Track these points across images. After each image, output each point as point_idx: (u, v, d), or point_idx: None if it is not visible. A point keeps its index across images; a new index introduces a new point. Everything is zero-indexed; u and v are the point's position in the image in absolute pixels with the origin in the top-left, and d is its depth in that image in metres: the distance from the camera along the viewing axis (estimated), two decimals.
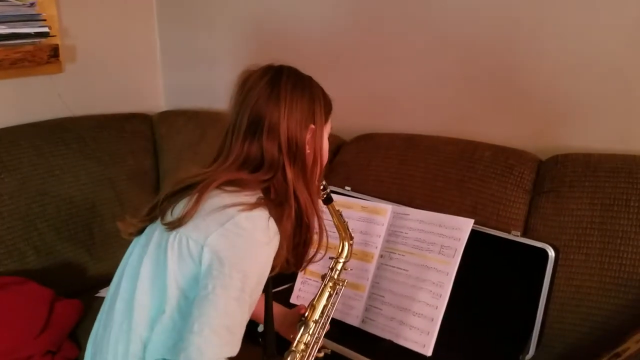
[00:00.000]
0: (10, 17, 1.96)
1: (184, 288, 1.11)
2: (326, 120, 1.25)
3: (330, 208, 1.31)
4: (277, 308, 1.39)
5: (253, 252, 1.10)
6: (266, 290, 1.28)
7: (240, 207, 1.09)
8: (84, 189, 2.06)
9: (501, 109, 1.82)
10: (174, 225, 1.11)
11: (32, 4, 2.02)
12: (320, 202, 1.27)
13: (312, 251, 1.24)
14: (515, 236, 1.48)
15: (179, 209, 1.12)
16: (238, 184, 1.14)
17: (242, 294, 1.06)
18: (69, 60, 2.23)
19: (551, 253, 1.41)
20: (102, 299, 1.26)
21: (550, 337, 1.48)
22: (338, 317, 1.51)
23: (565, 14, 1.64)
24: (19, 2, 2.00)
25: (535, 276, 1.42)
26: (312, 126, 1.19)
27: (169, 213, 1.15)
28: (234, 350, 1.05)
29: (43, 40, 2.07)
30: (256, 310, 1.30)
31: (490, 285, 1.48)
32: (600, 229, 1.50)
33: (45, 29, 2.05)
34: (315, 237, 1.23)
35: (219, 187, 1.12)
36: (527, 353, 1.41)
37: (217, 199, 1.11)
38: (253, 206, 1.10)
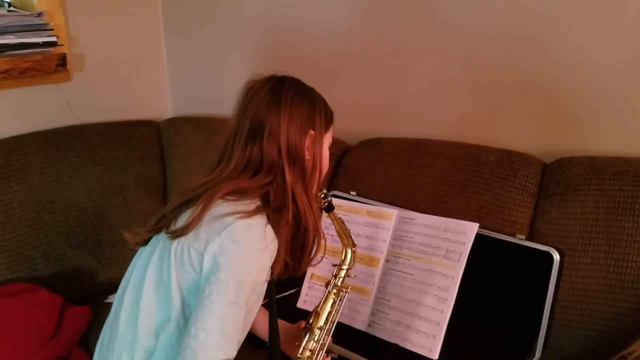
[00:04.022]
0: (19, 27, 1.98)
1: (187, 296, 1.12)
2: (326, 130, 1.27)
3: (332, 216, 1.32)
4: (279, 324, 1.39)
5: (249, 260, 1.11)
6: (269, 296, 1.30)
7: (238, 215, 1.10)
8: (92, 195, 2.08)
9: (506, 113, 1.82)
10: (176, 234, 1.13)
11: (40, 14, 2.03)
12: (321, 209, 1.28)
13: (310, 255, 1.25)
14: (520, 240, 1.49)
15: (183, 219, 1.14)
16: (239, 193, 1.16)
17: (237, 300, 1.08)
18: (76, 68, 2.25)
19: (556, 256, 1.42)
20: (112, 305, 1.27)
21: (556, 341, 1.48)
22: (345, 321, 1.52)
23: (571, 18, 1.64)
24: (27, 12, 2.02)
25: (541, 280, 1.43)
26: (312, 132, 1.22)
27: (173, 223, 1.17)
28: (229, 354, 1.06)
29: (51, 49, 2.09)
30: (260, 326, 1.31)
31: (496, 289, 1.49)
32: (606, 232, 1.50)
33: (53, 39, 2.07)
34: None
35: (222, 196, 1.14)
36: (533, 356, 1.41)
37: (218, 208, 1.13)
38: (251, 214, 1.12)
